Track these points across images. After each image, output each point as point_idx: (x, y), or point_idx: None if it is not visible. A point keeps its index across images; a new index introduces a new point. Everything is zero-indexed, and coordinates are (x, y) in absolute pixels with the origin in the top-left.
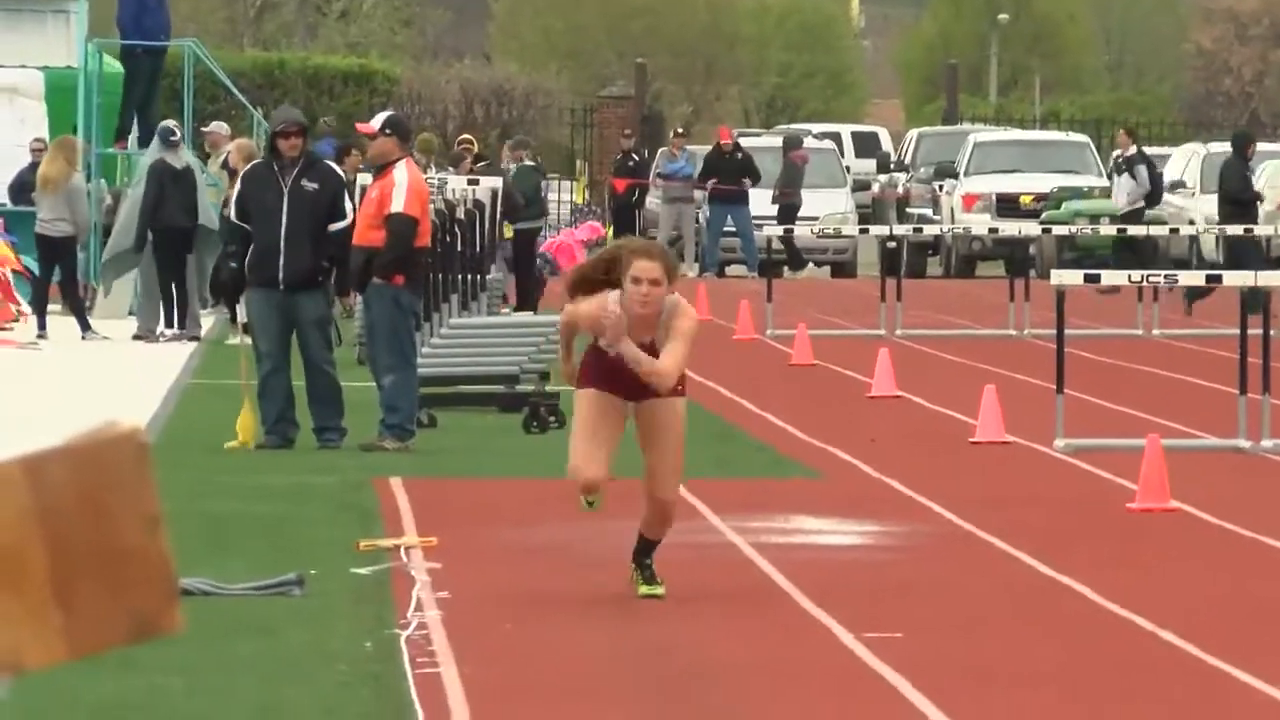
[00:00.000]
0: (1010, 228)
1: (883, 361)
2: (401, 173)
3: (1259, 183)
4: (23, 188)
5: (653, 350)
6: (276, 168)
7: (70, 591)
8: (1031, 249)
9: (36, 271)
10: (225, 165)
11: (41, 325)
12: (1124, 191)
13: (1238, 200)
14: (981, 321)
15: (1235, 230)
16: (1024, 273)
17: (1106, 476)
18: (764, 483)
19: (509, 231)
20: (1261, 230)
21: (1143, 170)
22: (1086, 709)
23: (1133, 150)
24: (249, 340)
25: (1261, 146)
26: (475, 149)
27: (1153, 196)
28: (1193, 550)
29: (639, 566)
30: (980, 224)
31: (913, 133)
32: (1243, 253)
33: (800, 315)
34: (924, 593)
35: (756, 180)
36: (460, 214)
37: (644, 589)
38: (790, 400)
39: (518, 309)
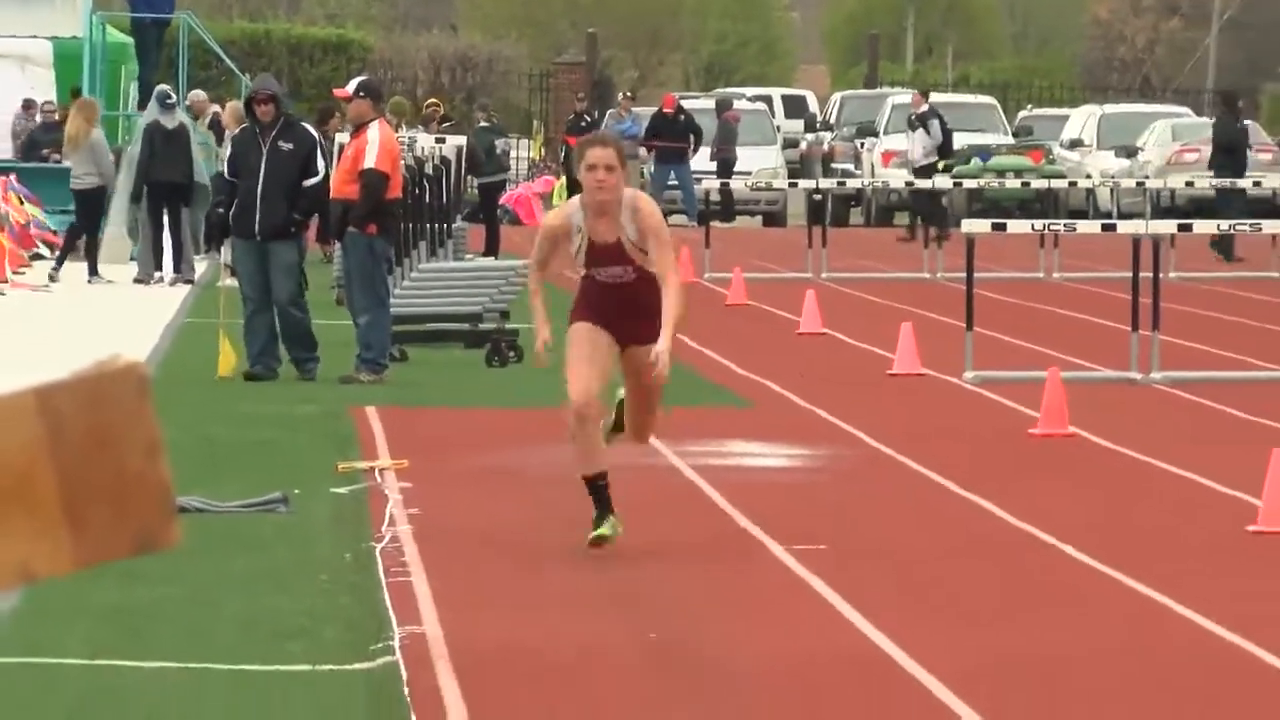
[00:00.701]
0: (924, 182)
1: (810, 302)
2: (374, 132)
3: (1149, 140)
4: (32, 145)
5: (621, 248)
6: (258, 130)
7: (77, 510)
8: (944, 200)
9: (52, 226)
10: (212, 126)
11: (58, 267)
12: (919, 145)
13: (1230, 150)
14: (898, 266)
15: (1223, 181)
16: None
17: (1011, 405)
18: (702, 411)
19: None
20: (1152, 184)
21: (935, 124)
22: (993, 610)
23: (925, 108)
24: (235, 283)
25: (1151, 108)
26: (442, 110)
27: (944, 149)
28: (1089, 472)
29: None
30: (897, 178)
31: (837, 96)
32: (1224, 203)
33: (735, 260)
34: (848, 510)
35: (699, 141)
36: (429, 169)
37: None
38: (726, 337)
39: (482, 255)
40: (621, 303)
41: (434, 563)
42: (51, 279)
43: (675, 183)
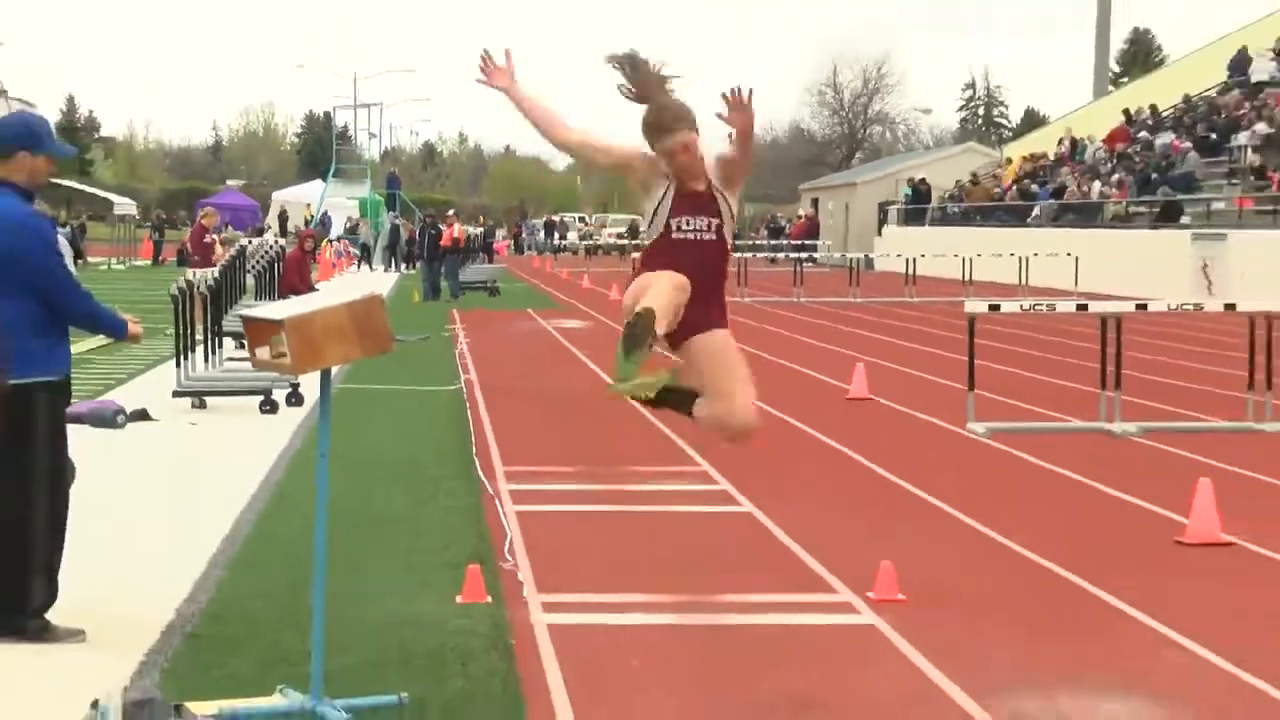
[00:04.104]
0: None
1: (615, 291)
2: (454, 227)
3: None
4: (350, 232)
5: (711, 196)
6: (428, 224)
7: (362, 338)
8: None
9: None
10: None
11: (372, 267)
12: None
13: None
14: (607, 266)
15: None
16: None
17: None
18: (565, 311)
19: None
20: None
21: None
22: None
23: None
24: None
25: None
26: (483, 222)
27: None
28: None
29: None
30: (610, 238)
31: (596, 217)
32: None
33: (565, 266)
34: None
35: (565, 231)
36: (469, 237)
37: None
38: (570, 291)
39: (487, 263)
40: (697, 262)
41: (476, 355)
42: (358, 269)
43: (551, 240)
